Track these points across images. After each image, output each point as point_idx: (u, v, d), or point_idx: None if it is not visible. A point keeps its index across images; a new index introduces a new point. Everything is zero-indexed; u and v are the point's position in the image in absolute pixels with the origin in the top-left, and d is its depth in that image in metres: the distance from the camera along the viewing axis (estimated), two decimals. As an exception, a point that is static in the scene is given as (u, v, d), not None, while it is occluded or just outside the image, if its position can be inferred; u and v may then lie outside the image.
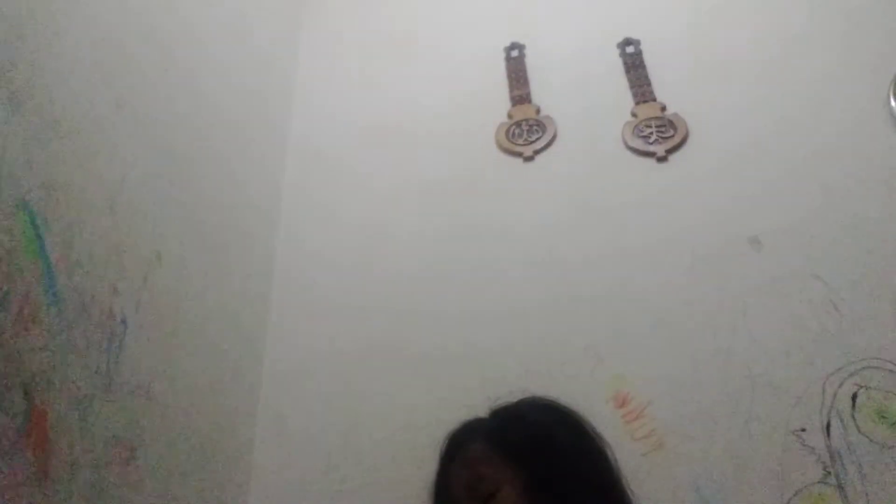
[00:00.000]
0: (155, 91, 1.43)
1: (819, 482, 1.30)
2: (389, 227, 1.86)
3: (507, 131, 1.92)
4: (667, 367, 1.48)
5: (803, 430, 1.35)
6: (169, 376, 1.31)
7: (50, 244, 1.04)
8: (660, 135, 1.79)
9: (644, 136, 1.80)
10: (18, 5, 1.05)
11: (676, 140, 1.77)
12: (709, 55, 1.89)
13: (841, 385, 1.37)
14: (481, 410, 1.52)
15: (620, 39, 1.99)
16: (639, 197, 1.72)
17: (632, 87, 1.89)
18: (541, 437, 0.81)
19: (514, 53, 2.07)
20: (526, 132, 1.91)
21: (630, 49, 1.97)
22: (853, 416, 1.33)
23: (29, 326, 0.97)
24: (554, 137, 1.89)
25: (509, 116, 1.95)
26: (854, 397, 1.35)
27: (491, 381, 1.56)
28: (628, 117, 1.85)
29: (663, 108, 1.84)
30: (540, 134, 1.90)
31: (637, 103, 1.86)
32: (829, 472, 1.30)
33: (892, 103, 1.62)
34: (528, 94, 1.98)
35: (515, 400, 0.91)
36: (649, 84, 1.88)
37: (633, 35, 1.98)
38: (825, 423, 1.34)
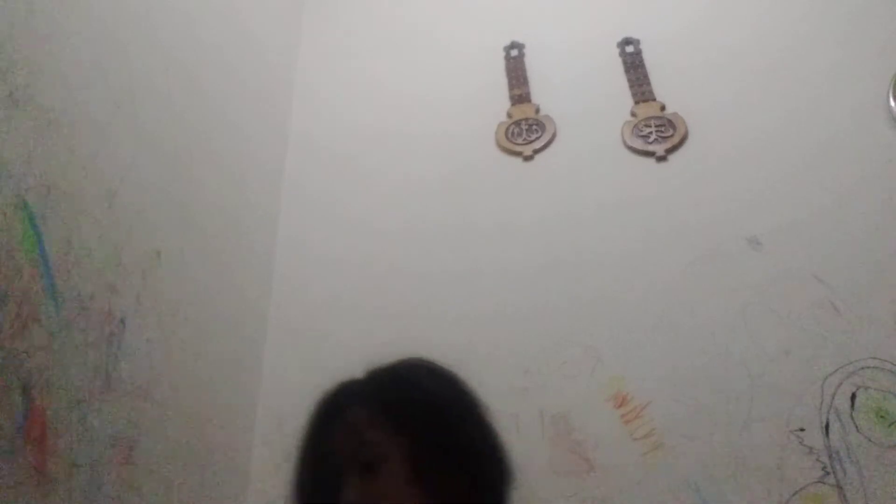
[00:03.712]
0: (154, 90, 1.43)
1: (818, 482, 1.30)
2: (389, 226, 1.86)
3: (507, 130, 1.92)
4: (666, 368, 1.48)
5: (802, 429, 1.35)
6: (168, 376, 1.31)
7: (49, 243, 1.04)
8: (659, 134, 1.79)
9: (643, 136, 1.80)
10: (18, 5, 1.05)
11: (676, 139, 1.77)
12: (708, 55, 1.89)
13: (840, 385, 1.37)
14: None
15: (620, 39, 1.99)
16: (638, 196, 1.72)
17: (631, 86, 1.89)
18: (428, 402, 0.75)
19: (514, 53, 2.07)
20: (525, 131, 1.91)
21: (629, 48, 1.97)
22: (852, 416, 1.33)
23: (28, 326, 0.97)
24: (553, 137, 1.89)
25: (509, 116, 1.95)
26: (853, 397, 1.35)
27: (491, 382, 1.56)
28: (628, 117, 1.85)
29: (663, 108, 1.84)
30: (539, 133, 1.90)
31: (636, 102, 1.86)
32: (828, 472, 1.30)
33: (892, 103, 1.62)
34: (528, 94, 1.98)
35: (392, 361, 0.83)
36: (649, 83, 1.88)
37: (633, 34, 1.98)
38: (824, 422, 1.34)
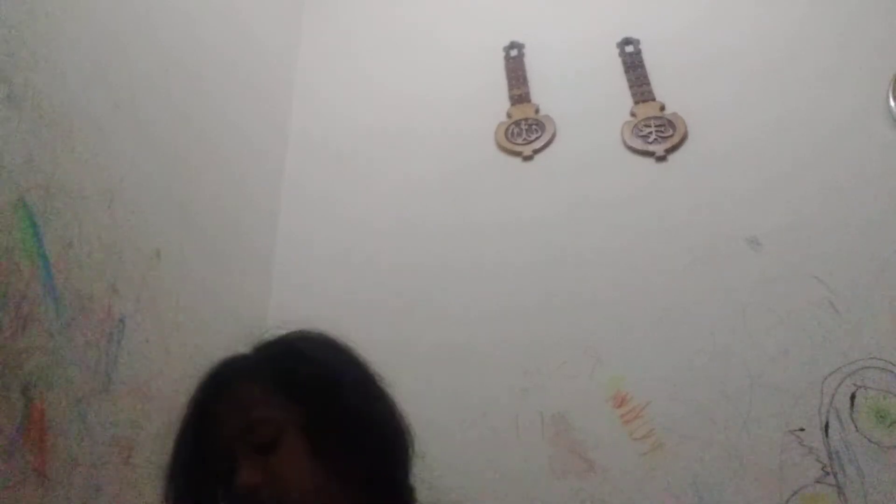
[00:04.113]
0: (154, 90, 1.43)
1: (817, 482, 1.30)
2: (389, 225, 1.86)
3: (507, 131, 1.92)
4: (666, 368, 1.48)
5: (802, 429, 1.35)
6: (167, 376, 1.31)
7: (48, 243, 1.04)
8: (659, 134, 1.79)
9: (643, 136, 1.80)
10: (17, 5, 1.05)
11: (675, 139, 1.77)
12: (708, 55, 1.89)
13: (839, 385, 1.37)
14: (481, 409, 1.53)
15: (620, 39, 1.98)
16: (638, 196, 1.72)
17: (631, 86, 1.89)
18: (320, 374, 0.71)
19: (514, 53, 2.06)
20: (525, 131, 1.91)
21: (629, 48, 1.97)
22: (851, 416, 1.34)
23: (27, 325, 0.97)
24: (553, 137, 1.88)
25: (508, 116, 1.95)
26: (852, 397, 1.35)
27: (490, 382, 1.56)
28: (627, 117, 1.85)
29: (662, 108, 1.84)
30: (539, 133, 1.90)
31: (636, 103, 1.86)
32: (828, 472, 1.30)
33: (891, 103, 1.62)
34: (528, 94, 1.98)
35: (280, 334, 0.79)
36: (648, 83, 1.88)
37: (633, 34, 1.98)
38: (824, 422, 1.35)
